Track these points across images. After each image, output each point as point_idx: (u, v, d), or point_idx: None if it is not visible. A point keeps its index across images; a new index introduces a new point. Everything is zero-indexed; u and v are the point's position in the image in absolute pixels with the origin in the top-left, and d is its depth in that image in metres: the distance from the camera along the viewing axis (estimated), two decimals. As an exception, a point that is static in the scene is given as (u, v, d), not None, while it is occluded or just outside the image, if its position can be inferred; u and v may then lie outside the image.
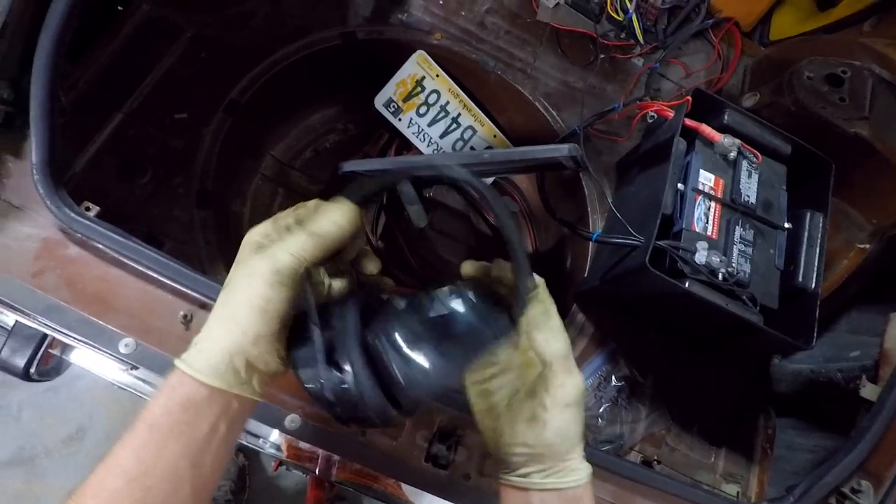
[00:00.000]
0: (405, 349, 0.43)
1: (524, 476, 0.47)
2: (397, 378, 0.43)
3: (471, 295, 0.45)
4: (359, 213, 0.47)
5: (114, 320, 0.61)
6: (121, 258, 0.63)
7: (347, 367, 0.43)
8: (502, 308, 0.48)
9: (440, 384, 0.44)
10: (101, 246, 0.63)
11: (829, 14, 1.21)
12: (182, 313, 0.62)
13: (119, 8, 0.95)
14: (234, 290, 0.44)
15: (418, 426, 0.66)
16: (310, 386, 0.45)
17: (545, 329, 0.48)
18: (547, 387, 0.47)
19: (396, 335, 0.44)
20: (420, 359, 0.43)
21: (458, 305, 0.44)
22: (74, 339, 0.61)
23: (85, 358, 0.92)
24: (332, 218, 0.45)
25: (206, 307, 0.64)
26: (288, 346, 0.46)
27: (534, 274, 0.49)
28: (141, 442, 0.42)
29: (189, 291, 0.63)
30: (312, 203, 0.49)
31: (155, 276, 0.63)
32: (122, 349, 0.61)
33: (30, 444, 1.56)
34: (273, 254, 0.43)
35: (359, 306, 0.46)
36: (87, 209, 0.65)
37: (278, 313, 0.43)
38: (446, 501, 0.67)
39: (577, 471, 0.48)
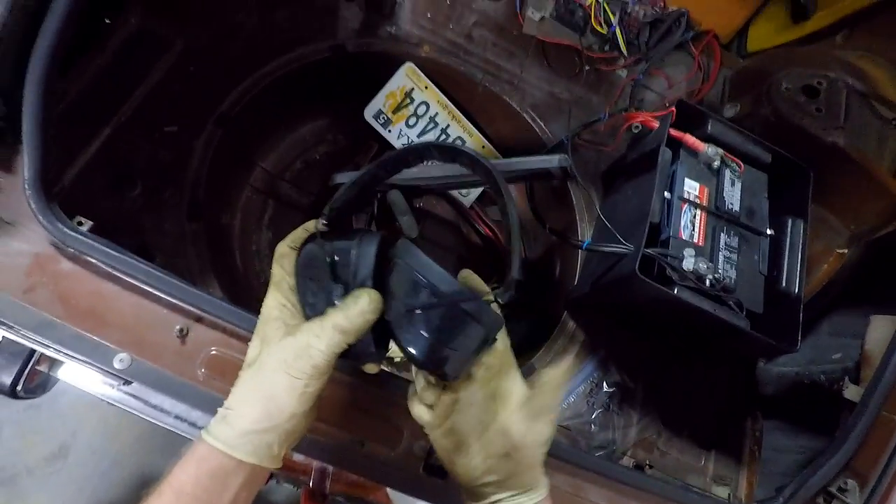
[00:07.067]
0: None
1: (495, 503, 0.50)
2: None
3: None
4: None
5: (108, 335, 0.61)
6: (115, 272, 0.62)
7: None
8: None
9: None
10: (94, 260, 0.62)
11: (802, 26, 1.25)
12: (178, 327, 0.62)
13: (107, 21, 0.94)
14: (269, 374, 0.45)
15: (416, 436, 0.66)
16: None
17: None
18: (519, 418, 0.50)
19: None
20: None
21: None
22: (68, 355, 0.61)
23: (73, 374, 0.91)
24: (363, 313, 0.47)
25: (201, 321, 0.63)
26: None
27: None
28: None
29: (185, 305, 0.63)
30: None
31: (150, 290, 0.62)
32: (117, 364, 0.60)
33: (10, 464, 1.52)
34: (308, 350, 0.45)
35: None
36: (80, 224, 0.65)
37: (315, 395, 0.47)
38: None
39: (540, 485, 0.52)
